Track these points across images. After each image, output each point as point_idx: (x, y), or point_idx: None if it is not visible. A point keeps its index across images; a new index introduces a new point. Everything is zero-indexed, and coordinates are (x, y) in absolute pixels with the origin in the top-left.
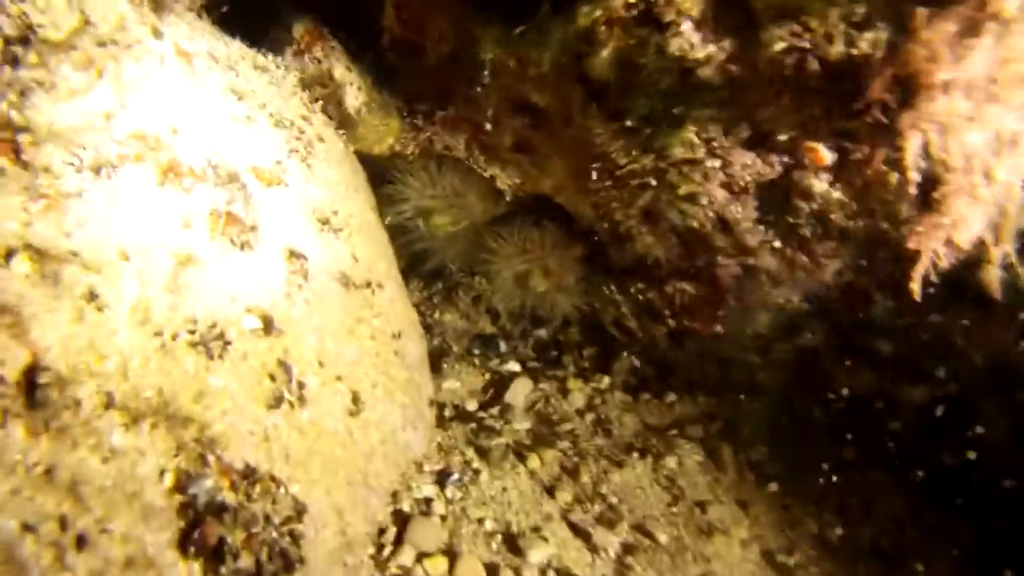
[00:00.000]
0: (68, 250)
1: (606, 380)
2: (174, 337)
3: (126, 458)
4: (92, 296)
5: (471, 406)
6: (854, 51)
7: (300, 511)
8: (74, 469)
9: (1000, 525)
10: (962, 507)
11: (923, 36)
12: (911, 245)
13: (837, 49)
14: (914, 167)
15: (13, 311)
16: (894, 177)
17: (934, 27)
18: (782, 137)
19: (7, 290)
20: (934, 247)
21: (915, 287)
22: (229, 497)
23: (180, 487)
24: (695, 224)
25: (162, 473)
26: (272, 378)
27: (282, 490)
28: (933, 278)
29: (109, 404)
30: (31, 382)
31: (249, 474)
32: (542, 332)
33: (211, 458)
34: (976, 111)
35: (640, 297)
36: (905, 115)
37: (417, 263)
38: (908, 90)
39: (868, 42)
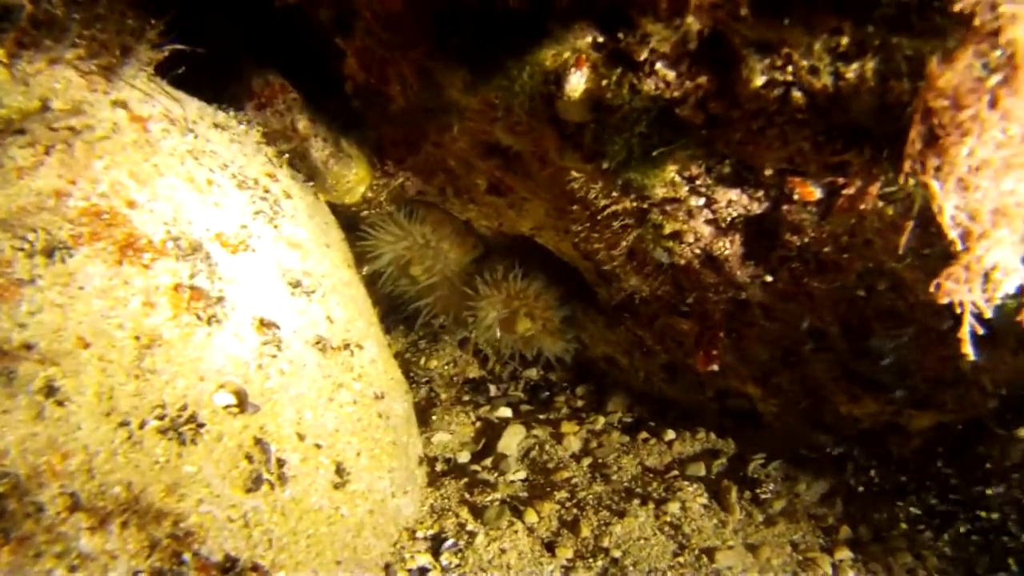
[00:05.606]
0: (22, 343)
1: (601, 420)
2: (141, 425)
3: (96, 563)
4: (51, 390)
5: (463, 458)
6: (841, 83)
7: None
8: None
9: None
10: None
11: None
12: (944, 300)
13: (823, 81)
14: (951, 221)
15: None
16: (890, 210)
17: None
18: (768, 172)
19: None
20: (971, 299)
21: (967, 350)
22: None
23: None
24: (682, 262)
25: None
26: (249, 459)
27: None
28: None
29: (74, 506)
30: None
31: (229, 567)
32: (532, 372)
33: (187, 555)
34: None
35: (630, 334)
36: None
37: (400, 308)
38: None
39: (855, 73)
